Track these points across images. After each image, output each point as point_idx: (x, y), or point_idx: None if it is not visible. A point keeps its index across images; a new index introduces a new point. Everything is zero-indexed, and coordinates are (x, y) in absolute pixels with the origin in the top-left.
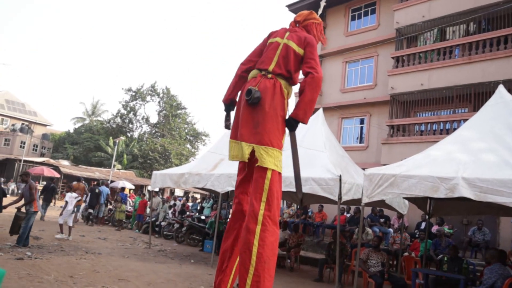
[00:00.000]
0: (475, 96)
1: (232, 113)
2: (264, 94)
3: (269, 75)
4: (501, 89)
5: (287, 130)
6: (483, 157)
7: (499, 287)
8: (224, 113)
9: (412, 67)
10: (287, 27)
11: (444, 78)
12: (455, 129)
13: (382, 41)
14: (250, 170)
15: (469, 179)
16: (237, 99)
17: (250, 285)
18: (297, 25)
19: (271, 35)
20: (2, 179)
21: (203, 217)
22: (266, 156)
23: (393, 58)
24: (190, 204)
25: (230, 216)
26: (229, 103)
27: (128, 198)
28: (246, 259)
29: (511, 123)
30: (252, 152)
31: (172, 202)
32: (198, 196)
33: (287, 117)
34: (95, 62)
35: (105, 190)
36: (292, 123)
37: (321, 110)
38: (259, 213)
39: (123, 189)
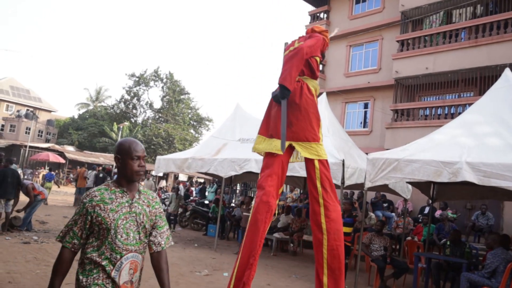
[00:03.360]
0: (480, 80)
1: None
2: (294, 97)
3: (296, 78)
4: (507, 72)
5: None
6: (487, 141)
7: (501, 271)
8: (286, 97)
9: (417, 50)
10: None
11: (450, 62)
12: (460, 114)
13: (386, 24)
14: (280, 165)
15: (473, 163)
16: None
17: (327, 254)
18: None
19: (287, 48)
20: (20, 170)
21: (206, 202)
22: (305, 150)
23: (398, 41)
24: (193, 189)
25: (254, 207)
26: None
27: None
28: (318, 234)
29: None
30: (288, 149)
31: (180, 187)
32: (202, 180)
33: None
34: (99, 48)
35: None
36: (279, 91)
37: (324, 94)
38: (319, 197)
39: (50, 169)
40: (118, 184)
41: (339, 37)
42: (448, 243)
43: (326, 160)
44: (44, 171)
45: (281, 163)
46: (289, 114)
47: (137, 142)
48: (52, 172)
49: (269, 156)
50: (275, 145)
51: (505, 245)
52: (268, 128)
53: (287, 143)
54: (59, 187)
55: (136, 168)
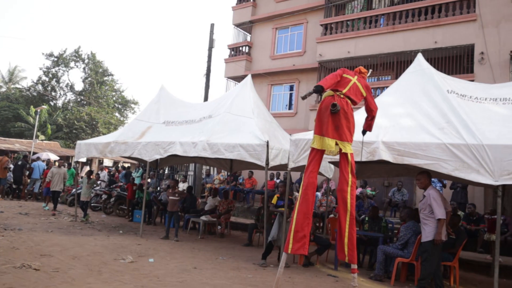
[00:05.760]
0: (397, 64)
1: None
2: (343, 108)
3: (342, 95)
4: (419, 57)
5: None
6: (401, 121)
7: (413, 242)
8: (314, 92)
9: (339, 34)
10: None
11: (370, 46)
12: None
13: (311, 8)
14: (318, 156)
15: (388, 143)
16: (320, 108)
17: (349, 219)
18: (360, 74)
19: (345, 71)
20: None
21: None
22: (346, 146)
23: (321, 25)
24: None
25: (304, 186)
26: (324, 91)
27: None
28: (344, 206)
29: (427, 89)
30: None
31: (102, 174)
32: (128, 165)
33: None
34: (11, 23)
35: (41, 165)
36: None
37: (249, 76)
38: (349, 179)
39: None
40: None
41: (265, 20)
42: (367, 218)
43: (352, 154)
44: None
45: (321, 154)
46: (337, 120)
47: None
48: None
49: (313, 149)
50: (327, 144)
51: (416, 218)
52: (321, 130)
53: (334, 141)
54: None
55: None
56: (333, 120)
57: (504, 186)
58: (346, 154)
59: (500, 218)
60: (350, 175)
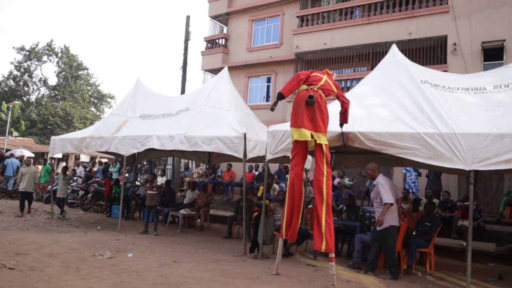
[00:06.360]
0: (373, 56)
1: (280, 102)
2: (319, 101)
3: (315, 88)
4: (394, 48)
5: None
6: (376, 112)
7: None
8: (277, 101)
9: (316, 26)
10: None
11: (346, 38)
12: None
13: None
14: (301, 148)
15: (364, 133)
16: (295, 101)
17: (326, 208)
18: (328, 75)
19: (313, 71)
20: None
21: None
22: (320, 137)
23: (298, 17)
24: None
25: (291, 177)
26: (285, 97)
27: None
28: (320, 196)
29: (401, 80)
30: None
31: (79, 169)
32: (105, 160)
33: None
34: None
35: (15, 162)
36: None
37: (226, 68)
38: (324, 170)
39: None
40: None
41: (241, 12)
42: (345, 208)
43: (327, 145)
44: None
45: (304, 147)
46: (311, 111)
47: None
48: None
49: (294, 143)
50: (304, 134)
51: None
52: (296, 122)
53: (310, 132)
54: None
55: None
56: (307, 112)
57: (476, 173)
58: (321, 145)
59: (472, 204)
60: (325, 166)
